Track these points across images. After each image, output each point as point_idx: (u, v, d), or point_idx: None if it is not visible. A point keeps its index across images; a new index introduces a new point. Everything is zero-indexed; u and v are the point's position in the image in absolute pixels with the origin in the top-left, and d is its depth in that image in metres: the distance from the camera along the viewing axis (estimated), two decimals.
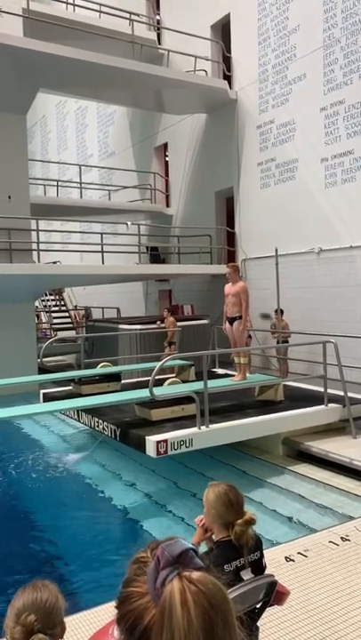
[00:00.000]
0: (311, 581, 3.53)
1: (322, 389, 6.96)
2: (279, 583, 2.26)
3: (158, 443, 5.45)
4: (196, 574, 0.79)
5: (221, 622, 0.76)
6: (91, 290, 17.81)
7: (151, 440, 5.48)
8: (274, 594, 2.26)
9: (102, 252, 11.82)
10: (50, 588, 1.51)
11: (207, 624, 0.74)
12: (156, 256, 14.89)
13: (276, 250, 9.43)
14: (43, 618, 1.39)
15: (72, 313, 18.68)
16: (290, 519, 5.07)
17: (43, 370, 11.31)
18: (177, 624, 0.73)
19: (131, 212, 15.52)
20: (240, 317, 7.52)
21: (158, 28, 14.93)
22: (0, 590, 3.98)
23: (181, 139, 14.65)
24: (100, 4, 12.79)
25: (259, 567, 2.30)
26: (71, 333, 16.84)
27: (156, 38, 14.51)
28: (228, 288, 7.69)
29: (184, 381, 7.96)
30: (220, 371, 9.52)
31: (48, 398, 8.05)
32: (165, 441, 5.52)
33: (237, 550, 2.23)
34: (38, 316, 17.51)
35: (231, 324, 7.62)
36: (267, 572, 2.32)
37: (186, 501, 5.68)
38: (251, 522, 2.25)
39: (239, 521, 2.24)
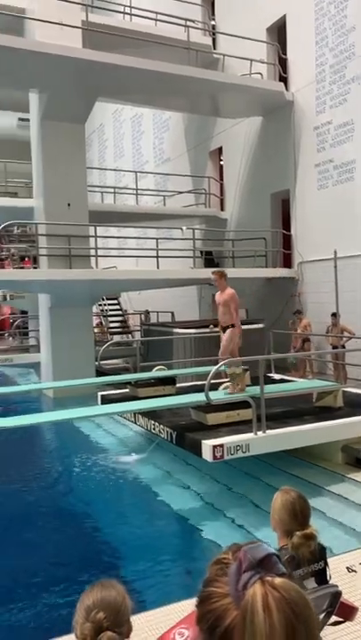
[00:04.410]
0: None
1: None
2: (345, 599, 2.21)
3: (215, 447, 5.44)
4: (278, 580, 0.78)
5: (304, 631, 0.75)
6: (146, 294, 18.03)
7: (207, 444, 5.48)
8: (338, 605, 2.22)
9: (157, 256, 11.95)
10: (117, 588, 1.54)
11: (290, 631, 0.74)
12: (210, 260, 14.90)
13: (335, 252, 9.23)
14: (111, 616, 1.41)
15: (128, 317, 18.97)
16: (350, 528, 4.94)
17: (100, 372, 11.54)
18: (259, 629, 0.74)
19: (185, 216, 15.62)
20: (232, 326, 7.14)
21: (213, 33, 14.98)
22: (60, 589, 4.10)
23: (236, 142, 14.61)
24: (156, 13, 12.99)
25: (323, 577, 2.26)
26: (125, 337, 17.11)
27: (211, 43, 14.58)
28: (218, 296, 7.29)
29: (242, 388, 7.90)
30: (277, 376, 9.40)
31: (106, 400, 8.21)
32: (222, 445, 5.50)
33: (297, 560, 2.20)
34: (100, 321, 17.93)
35: (224, 332, 7.29)
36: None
37: (242, 506, 5.64)
38: (310, 537, 2.22)
39: (298, 533, 2.21)
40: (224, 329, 7.22)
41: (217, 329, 11.31)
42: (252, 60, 12.58)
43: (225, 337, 7.19)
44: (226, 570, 0.84)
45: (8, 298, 16.61)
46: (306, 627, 0.76)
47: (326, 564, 2.31)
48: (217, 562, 0.88)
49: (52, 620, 3.75)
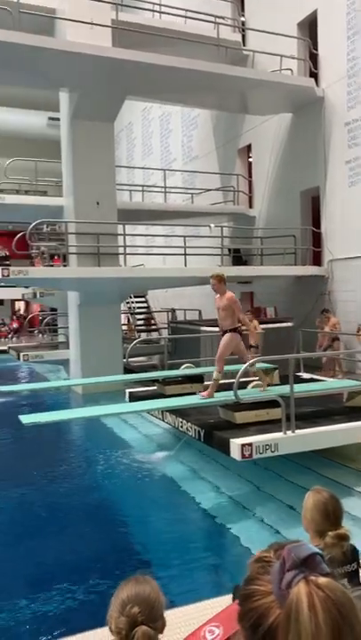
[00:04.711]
0: None
1: None
2: None
3: (243, 446, 5.42)
4: (323, 580, 0.78)
5: (350, 632, 0.74)
6: (173, 292, 18.05)
7: (236, 443, 5.46)
8: None
9: (185, 254, 11.95)
10: (151, 583, 1.55)
11: (335, 632, 0.73)
12: (238, 258, 14.83)
13: None
14: (146, 610, 1.42)
15: (154, 315, 19.04)
16: None
17: (128, 370, 11.62)
18: (304, 628, 0.73)
19: (214, 214, 15.58)
20: (231, 330, 6.86)
21: (243, 30, 14.88)
22: (88, 583, 4.15)
23: (266, 139, 14.50)
24: (186, 10, 12.97)
25: (355, 579, 2.23)
26: (150, 335, 17.18)
27: (240, 40, 14.49)
28: (218, 301, 7.00)
29: (268, 385, 7.86)
30: (306, 375, 9.30)
31: (134, 398, 8.26)
32: (250, 444, 5.47)
33: (330, 560, 2.18)
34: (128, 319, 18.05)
35: (223, 334, 6.97)
36: None
37: (270, 506, 5.62)
38: (344, 537, 2.19)
39: (331, 533, 2.18)
40: (224, 333, 6.90)
41: (245, 327, 11.30)
42: (282, 56, 12.45)
43: (223, 341, 6.87)
44: (268, 568, 0.84)
45: (38, 295, 16.84)
46: (351, 628, 0.75)
47: (359, 565, 2.28)
48: (258, 560, 0.88)
49: (80, 613, 3.80)
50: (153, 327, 18.55)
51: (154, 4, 13.31)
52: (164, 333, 16.44)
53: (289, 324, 11.80)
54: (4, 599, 4.02)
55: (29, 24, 10.24)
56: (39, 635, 3.53)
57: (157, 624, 1.45)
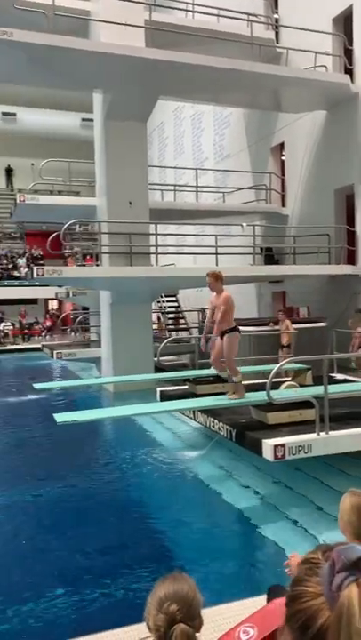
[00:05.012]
0: None
1: None
2: None
3: (276, 447, 5.37)
4: None
5: None
6: (203, 291, 18.03)
7: (269, 444, 5.42)
8: None
9: (216, 253, 11.91)
10: (189, 581, 1.54)
11: None
12: (270, 257, 14.72)
13: None
14: (184, 608, 1.41)
15: (185, 314, 19.05)
16: None
17: (158, 369, 11.67)
18: (355, 631, 0.72)
19: (245, 213, 15.49)
20: (229, 331, 6.60)
21: (276, 27, 14.75)
22: (122, 582, 4.18)
23: (299, 137, 14.34)
24: (219, 8, 12.92)
25: None
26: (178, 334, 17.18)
27: (274, 37, 14.36)
28: (214, 300, 6.74)
29: (301, 385, 7.78)
30: (339, 376, 9.16)
31: (165, 397, 8.28)
32: (283, 445, 5.42)
33: None
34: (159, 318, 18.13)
35: (222, 338, 6.67)
36: None
37: (302, 507, 5.56)
38: None
39: None
40: (221, 334, 6.62)
41: (278, 327, 11.21)
42: (316, 53, 12.29)
43: (225, 344, 6.63)
44: (316, 570, 0.83)
45: (71, 294, 17.07)
46: None
47: None
48: (306, 561, 0.87)
49: (112, 610, 3.83)
50: (183, 326, 18.57)
51: (187, 3, 13.31)
52: (195, 332, 16.43)
53: (322, 324, 11.64)
54: (38, 591, 4.09)
55: (64, 26, 10.39)
56: (71, 627, 3.57)
57: (195, 622, 1.44)
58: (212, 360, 6.94)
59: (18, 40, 9.02)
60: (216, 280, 6.65)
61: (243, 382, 7.06)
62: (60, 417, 6.35)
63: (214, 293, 6.79)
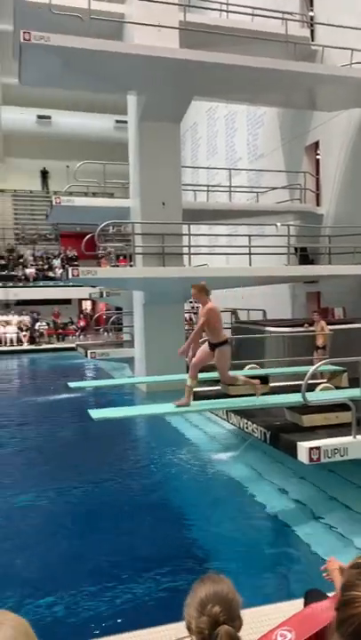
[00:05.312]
0: None
1: None
2: None
3: (311, 449, 5.30)
4: None
5: None
6: (236, 292, 17.95)
7: (304, 446, 5.35)
8: None
9: (250, 253, 11.84)
10: (227, 582, 1.52)
11: None
12: (305, 257, 14.54)
13: None
14: (226, 609, 1.40)
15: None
16: None
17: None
18: None
19: (279, 213, 15.34)
20: (220, 344, 6.39)
21: (312, 25, 14.57)
22: (156, 581, 4.19)
23: (334, 135, 14.12)
24: (253, 8, 12.84)
25: None
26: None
27: (309, 35, 14.19)
28: (200, 312, 6.55)
29: (336, 388, 7.66)
30: None
31: (198, 397, 8.25)
32: (319, 448, 5.35)
33: None
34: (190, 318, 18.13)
35: (213, 349, 6.45)
36: None
37: (337, 511, 5.48)
38: None
39: None
40: (212, 347, 6.42)
41: (312, 328, 11.04)
42: (352, 50, 12.08)
43: (216, 358, 6.44)
44: None
45: (104, 295, 17.25)
46: None
47: None
48: (355, 566, 0.85)
49: (146, 609, 3.85)
50: None
51: (221, 3, 13.28)
52: (227, 333, 16.36)
53: (358, 325, 11.41)
54: (73, 589, 4.14)
55: (98, 30, 10.50)
56: (107, 624, 3.60)
57: (235, 623, 1.43)
58: (191, 365, 6.65)
59: (55, 44, 9.17)
60: (200, 291, 6.41)
61: (278, 384, 6.99)
62: (96, 413, 6.43)
63: (200, 306, 6.56)
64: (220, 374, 6.71)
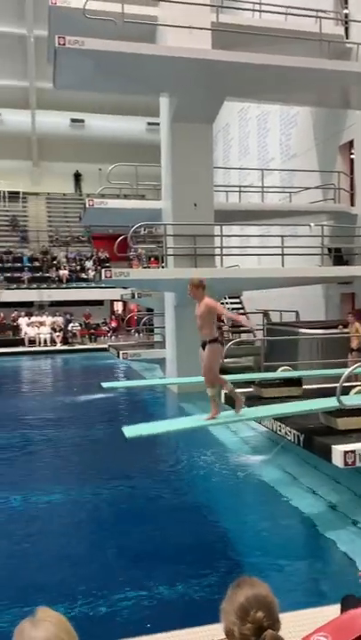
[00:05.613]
0: None
1: None
2: None
3: (346, 453, 5.22)
4: None
5: None
6: (267, 293, 17.80)
7: (339, 450, 5.27)
8: None
9: (282, 254, 11.74)
10: (264, 585, 1.50)
11: None
12: (338, 258, 14.32)
13: None
14: (268, 614, 1.38)
15: (248, 316, 18.87)
16: None
17: (223, 371, 11.58)
18: None
19: (313, 213, 15.16)
20: (211, 341, 6.16)
21: (346, 22, 14.35)
22: (187, 584, 4.18)
23: None
24: (286, 7, 12.74)
25: None
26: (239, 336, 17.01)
27: (343, 33, 13.98)
28: (196, 308, 6.29)
29: None
30: None
31: (230, 399, 8.21)
32: (354, 452, 5.26)
33: None
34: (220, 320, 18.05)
35: (204, 348, 6.24)
36: None
37: None
38: None
39: None
40: (203, 345, 6.22)
41: (347, 329, 10.88)
42: None
43: (205, 355, 6.21)
44: None
45: (136, 296, 17.36)
46: None
47: None
48: None
49: (179, 612, 3.85)
50: (247, 328, 18.40)
51: (254, 2, 13.21)
52: (259, 335, 16.24)
53: None
54: (108, 588, 4.17)
55: (130, 33, 10.58)
56: (141, 624, 3.61)
57: (276, 626, 1.41)
58: (202, 373, 6.46)
59: (89, 48, 9.29)
60: (197, 288, 6.16)
61: (311, 387, 6.90)
62: (129, 431, 6.15)
63: (197, 303, 6.31)
64: (206, 373, 6.34)
